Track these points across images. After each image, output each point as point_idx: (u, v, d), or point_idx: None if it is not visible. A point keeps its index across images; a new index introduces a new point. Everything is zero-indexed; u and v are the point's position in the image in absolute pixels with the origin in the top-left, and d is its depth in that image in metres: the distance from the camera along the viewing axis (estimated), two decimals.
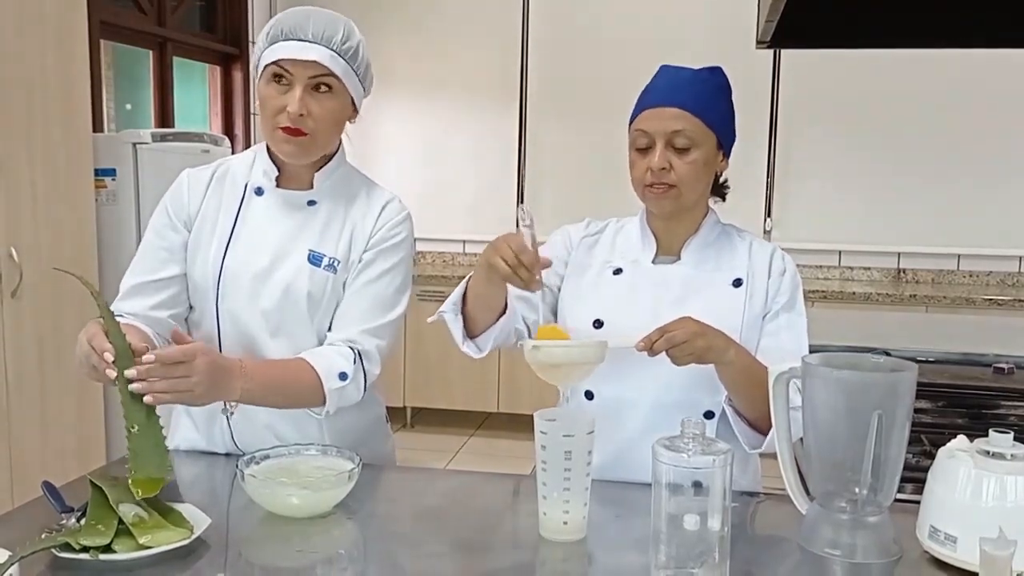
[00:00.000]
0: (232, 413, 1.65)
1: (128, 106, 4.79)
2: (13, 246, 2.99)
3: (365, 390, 1.65)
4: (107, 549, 1.22)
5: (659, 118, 1.55)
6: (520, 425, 5.02)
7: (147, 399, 1.33)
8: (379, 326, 1.65)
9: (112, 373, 1.33)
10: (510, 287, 1.48)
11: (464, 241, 5.45)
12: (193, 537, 1.26)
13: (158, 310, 1.62)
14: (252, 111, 5.24)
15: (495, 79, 5.34)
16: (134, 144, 3.51)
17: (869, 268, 5.06)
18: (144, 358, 1.33)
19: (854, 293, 4.61)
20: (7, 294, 2.99)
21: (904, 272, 5.04)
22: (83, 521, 1.28)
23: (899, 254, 5.03)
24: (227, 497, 1.55)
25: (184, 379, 1.37)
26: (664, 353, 1.43)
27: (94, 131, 3.45)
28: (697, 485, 1.13)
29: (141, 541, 1.23)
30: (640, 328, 1.47)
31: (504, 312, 1.55)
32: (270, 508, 1.39)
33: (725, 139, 1.60)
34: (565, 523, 1.32)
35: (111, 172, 3.52)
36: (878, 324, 3.49)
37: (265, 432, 1.67)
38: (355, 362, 1.61)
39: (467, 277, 1.57)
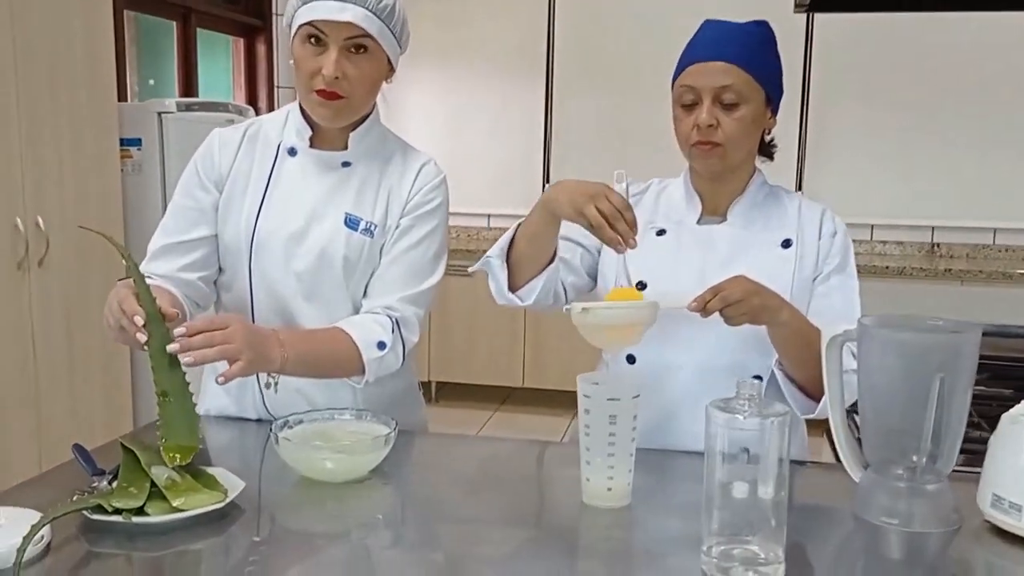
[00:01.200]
0: (275, 385, 1.61)
1: (151, 81, 4.76)
2: (40, 215, 2.97)
3: (404, 358, 1.61)
4: (140, 511, 1.19)
5: (706, 73, 1.49)
6: (546, 400, 4.98)
7: (186, 359, 1.29)
8: (417, 293, 1.62)
9: (142, 337, 1.29)
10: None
11: (488, 215, 5.39)
12: (227, 501, 1.23)
13: (187, 271, 1.59)
14: (276, 84, 5.19)
15: (521, 48, 5.25)
16: (159, 114, 3.47)
17: (902, 242, 4.96)
18: (176, 332, 1.30)
19: (887, 268, 4.52)
20: (34, 263, 2.97)
21: (938, 247, 4.94)
22: (115, 484, 1.25)
23: (933, 228, 4.93)
24: (259, 462, 1.51)
25: (226, 345, 1.33)
26: (714, 314, 1.37)
27: (119, 101, 3.42)
28: (752, 450, 1.08)
29: (175, 504, 1.20)
30: (685, 291, 1.41)
31: (551, 262, 1.50)
32: (304, 472, 1.36)
33: (774, 94, 1.54)
34: (609, 489, 1.28)
35: (136, 142, 3.49)
36: (912, 298, 3.42)
37: (296, 397, 1.63)
38: (393, 331, 1.58)
39: (515, 225, 1.52)
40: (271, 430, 1.36)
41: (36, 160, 2.97)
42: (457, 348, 4.99)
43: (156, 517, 1.18)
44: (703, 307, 1.36)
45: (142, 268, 1.58)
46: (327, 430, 1.43)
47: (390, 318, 1.58)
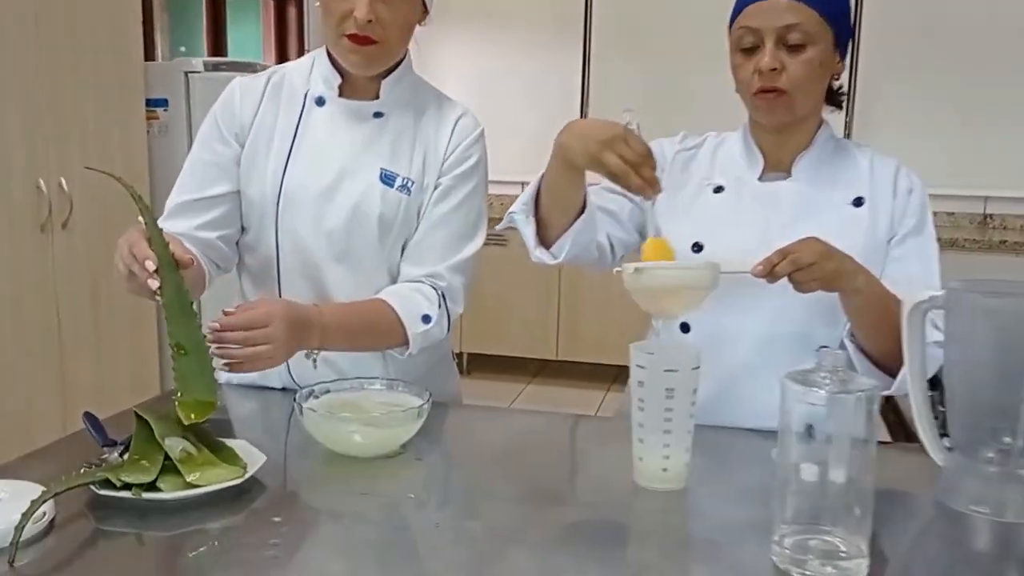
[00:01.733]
0: (316, 358, 1.50)
1: (183, 48, 4.67)
2: (63, 177, 2.89)
3: (448, 331, 1.51)
4: (151, 487, 1.09)
5: (769, 11, 1.35)
6: (580, 373, 4.87)
7: (221, 365, 1.23)
8: (461, 260, 1.51)
9: (154, 284, 1.18)
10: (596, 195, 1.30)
11: (522, 183, 5.23)
12: (246, 476, 1.12)
13: (205, 230, 1.48)
14: (306, 47, 5.08)
15: (558, 11, 5.09)
16: (186, 73, 3.37)
17: (953, 213, 4.77)
18: (210, 324, 1.22)
19: (939, 239, 4.32)
20: (58, 226, 2.89)
21: (991, 217, 4.74)
22: (126, 456, 1.15)
23: (985, 198, 4.73)
24: (283, 435, 1.41)
25: (264, 346, 1.25)
26: (778, 279, 1.24)
27: (146, 61, 3.32)
28: (833, 429, 0.95)
29: (189, 479, 1.10)
30: (746, 252, 1.29)
31: (582, 212, 1.37)
32: (330, 446, 1.25)
33: (843, 35, 1.40)
34: (664, 470, 1.16)
35: (163, 103, 3.40)
36: (964, 271, 3.24)
37: (324, 366, 1.52)
38: (440, 305, 1.47)
39: (538, 176, 1.40)
40: (295, 400, 1.25)
41: (59, 120, 2.88)
42: (489, 319, 4.88)
43: (169, 493, 1.08)
44: (770, 271, 1.23)
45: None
46: (356, 401, 1.33)
47: (435, 289, 1.48)
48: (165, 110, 3.39)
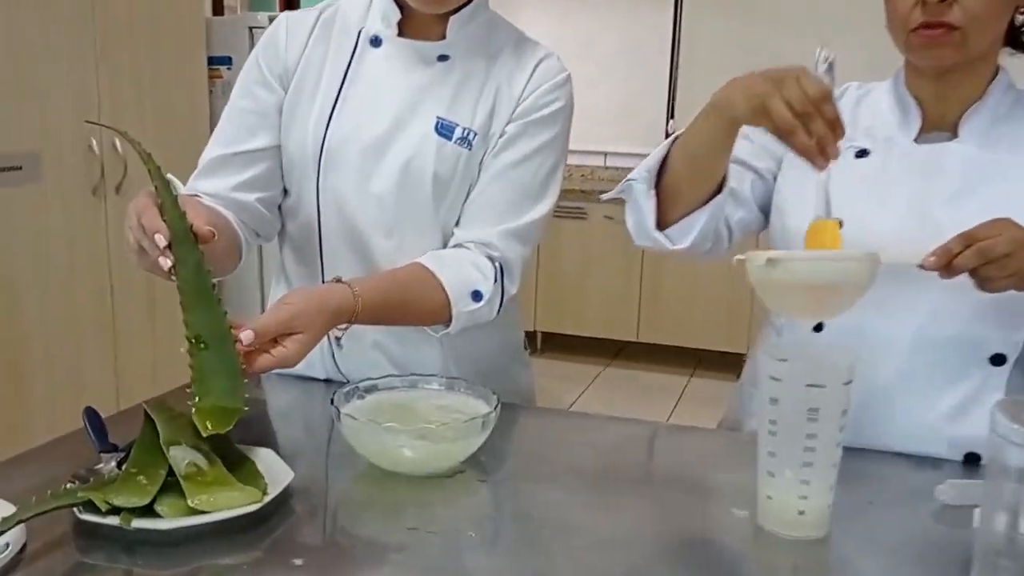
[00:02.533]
0: (341, 339, 1.28)
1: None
2: (116, 138, 2.71)
3: (498, 312, 1.25)
4: (147, 511, 0.87)
5: None
6: (660, 356, 4.58)
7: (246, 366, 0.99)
8: (524, 225, 1.25)
9: (166, 263, 0.96)
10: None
11: (605, 153, 4.95)
12: (264, 502, 0.89)
13: (243, 191, 1.25)
14: None
15: None
16: (251, 28, 3.17)
17: None
18: (242, 335, 0.97)
19: None
20: (111, 189, 2.73)
21: None
22: (124, 467, 0.93)
23: None
24: (324, 438, 1.18)
25: (296, 351, 1.01)
26: (957, 274, 0.96)
27: (214, 15, 3.13)
28: None
29: (192, 503, 0.87)
30: (901, 233, 1.00)
31: (718, 191, 1.11)
32: (375, 461, 1.01)
33: None
34: (801, 513, 0.89)
35: (227, 61, 3.20)
36: None
37: (373, 353, 1.30)
38: (496, 280, 1.22)
39: (668, 139, 1.13)
40: (332, 402, 1.02)
41: (112, 76, 2.70)
42: (566, 296, 4.62)
43: (167, 521, 0.86)
44: (947, 263, 0.95)
45: (189, 186, 1.26)
46: (407, 404, 1.09)
47: (492, 261, 1.23)
48: (229, 68, 3.20)
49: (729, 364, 4.43)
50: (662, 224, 1.15)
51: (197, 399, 0.96)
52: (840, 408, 0.86)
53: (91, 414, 1.07)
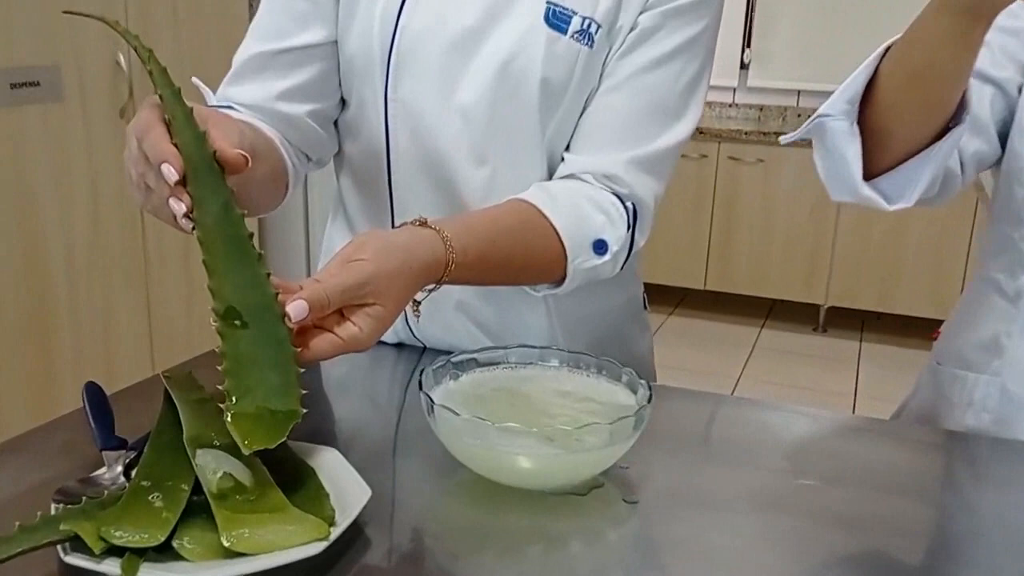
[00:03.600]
0: (420, 305, 0.98)
1: None
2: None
3: (622, 268, 0.96)
4: (164, 546, 0.59)
5: None
6: (727, 306, 4.28)
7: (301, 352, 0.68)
8: (658, 152, 0.94)
9: (179, 206, 0.66)
10: None
11: None
12: (333, 538, 0.61)
13: (290, 100, 0.95)
14: None
15: None
16: None
17: None
18: (291, 308, 0.66)
19: None
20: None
21: None
22: (133, 476, 0.65)
23: None
24: (401, 429, 0.90)
25: (369, 335, 0.70)
26: None
27: None
28: None
29: (226, 542, 0.59)
30: None
31: (953, 122, 0.80)
32: (481, 472, 0.73)
33: None
34: None
35: None
36: None
37: (457, 317, 1.01)
38: (628, 227, 0.92)
39: (874, 55, 0.82)
40: (420, 386, 0.73)
41: (141, 7, 2.41)
42: None
43: (190, 568, 0.58)
44: None
45: (219, 95, 0.97)
46: (517, 387, 0.80)
47: (621, 200, 0.92)
48: None
49: (805, 315, 4.12)
50: (869, 173, 0.84)
51: (233, 399, 0.66)
52: None
53: (92, 393, 0.79)
